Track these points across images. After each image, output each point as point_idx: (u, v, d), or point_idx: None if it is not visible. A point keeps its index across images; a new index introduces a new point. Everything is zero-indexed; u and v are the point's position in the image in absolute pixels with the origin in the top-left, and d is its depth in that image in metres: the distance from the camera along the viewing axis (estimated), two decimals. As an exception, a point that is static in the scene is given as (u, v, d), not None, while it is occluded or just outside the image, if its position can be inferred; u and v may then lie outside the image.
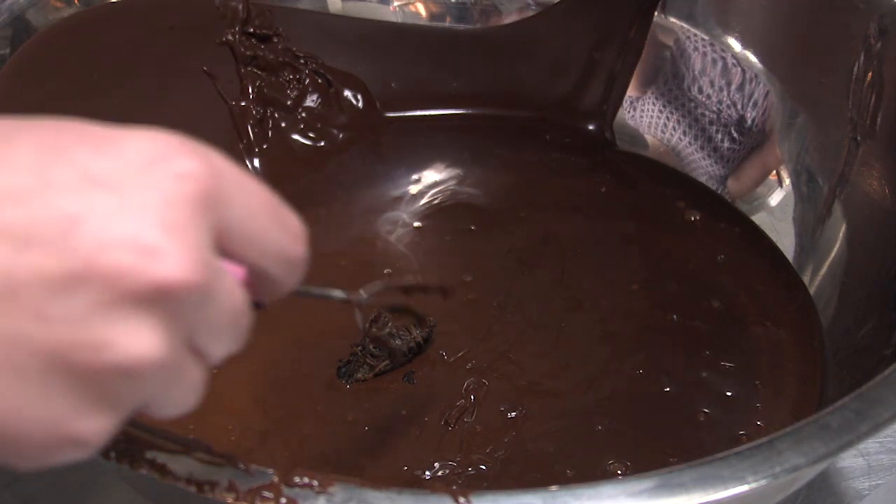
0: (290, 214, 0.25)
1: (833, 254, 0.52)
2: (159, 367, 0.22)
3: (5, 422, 0.21)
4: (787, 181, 0.57)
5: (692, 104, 0.61)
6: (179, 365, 0.23)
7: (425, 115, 0.64)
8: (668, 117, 0.62)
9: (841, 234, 0.51)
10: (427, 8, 0.65)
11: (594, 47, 0.63)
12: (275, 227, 0.25)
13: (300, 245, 0.26)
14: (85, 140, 0.22)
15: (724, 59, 0.59)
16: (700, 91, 0.60)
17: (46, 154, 0.21)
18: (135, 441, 0.29)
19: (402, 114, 0.64)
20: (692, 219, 0.57)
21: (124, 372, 0.21)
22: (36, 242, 0.20)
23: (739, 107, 0.59)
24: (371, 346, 0.45)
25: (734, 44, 0.59)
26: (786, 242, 0.55)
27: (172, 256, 0.21)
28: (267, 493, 0.27)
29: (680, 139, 0.62)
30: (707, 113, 0.60)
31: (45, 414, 0.21)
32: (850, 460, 0.48)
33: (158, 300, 0.21)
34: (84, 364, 0.21)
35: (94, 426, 0.22)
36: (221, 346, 0.24)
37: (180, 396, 0.23)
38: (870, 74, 0.50)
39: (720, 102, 0.60)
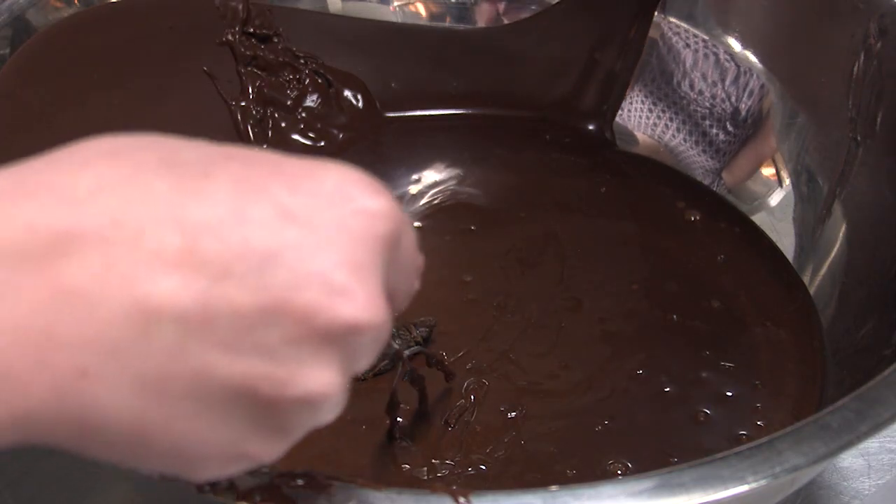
0: (419, 252, 0.27)
1: (833, 254, 0.52)
2: (334, 399, 0.23)
3: (187, 444, 0.22)
4: (787, 181, 0.57)
5: (684, 101, 0.61)
6: (341, 395, 0.23)
7: (425, 115, 0.64)
8: (659, 115, 0.62)
9: (841, 234, 0.51)
10: (427, 8, 0.65)
11: (594, 47, 0.63)
12: (414, 266, 0.26)
13: (418, 281, 0.27)
14: (279, 175, 0.23)
15: (716, 54, 0.59)
16: (691, 86, 0.60)
17: (243, 188, 0.22)
18: (135, 441, 0.29)
19: (402, 114, 0.64)
20: (692, 219, 0.57)
21: (304, 405, 0.22)
22: (232, 276, 0.21)
23: (734, 99, 0.59)
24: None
25: (734, 44, 0.59)
26: (786, 242, 0.55)
27: (360, 298, 0.22)
28: (267, 493, 0.27)
29: (673, 136, 0.62)
30: (699, 109, 0.60)
31: (224, 438, 0.22)
32: (850, 460, 0.48)
33: (342, 339, 0.22)
34: (267, 396, 0.22)
35: (268, 448, 0.23)
36: (362, 368, 0.25)
37: (329, 419, 0.24)
38: (870, 74, 0.50)
39: (714, 97, 0.60)
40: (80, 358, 0.20)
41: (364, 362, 0.24)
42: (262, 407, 0.22)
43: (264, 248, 0.21)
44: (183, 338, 0.20)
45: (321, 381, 0.22)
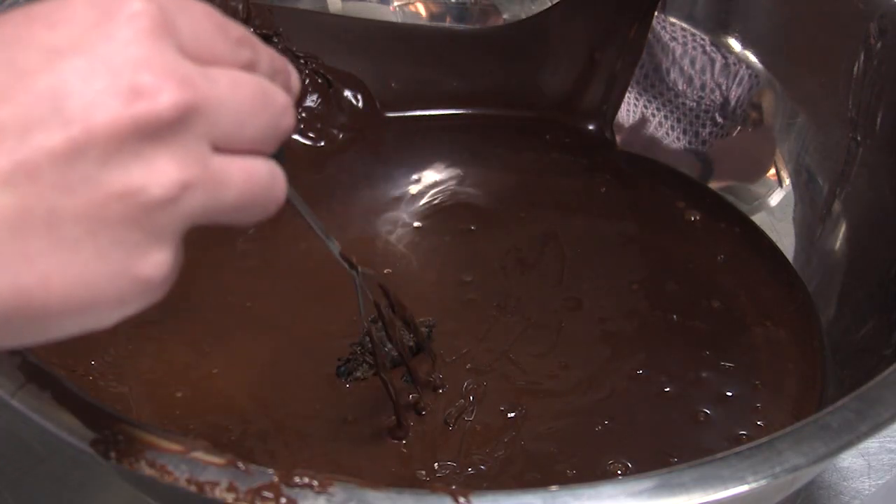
0: (228, 20, 0.27)
1: (833, 254, 0.52)
2: (187, 186, 0.23)
3: (75, 293, 0.22)
4: (787, 181, 0.57)
5: (671, 93, 0.61)
6: (213, 174, 0.24)
7: (425, 115, 0.64)
8: (645, 106, 0.62)
9: (841, 234, 0.51)
10: (427, 8, 0.65)
11: (594, 47, 0.63)
12: (218, 30, 0.26)
13: (244, 43, 0.27)
14: (33, 21, 0.23)
15: (702, 46, 0.59)
16: (681, 73, 0.60)
17: (6, 48, 0.22)
18: (135, 441, 0.29)
19: (402, 114, 0.64)
20: (692, 219, 0.57)
21: (158, 205, 0.23)
22: (34, 127, 0.22)
23: (724, 89, 0.59)
24: (370, 345, 0.45)
25: (734, 44, 0.59)
26: (786, 242, 0.55)
27: (154, 87, 0.22)
28: (267, 493, 0.28)
29: (658, 126, 0.62)
30: (687, 101, 0.60)
31: (107, 270, 0.23)
32: (850, 460, 0.48)
33: (161, 130, 0.23)
34: (120, 214, 0.22)
35: (155, 261, 0.23)
36: (256, 131, 0.25)
37: (240, 197, 0.25)
38: (870, 74, 0.50)
39: (703, 87, 0.60)
40: None
41: (233, 127, 0.25)
42: (122, 226, 0.22)
43: (49, 89, 0.22)
44: (20, 198, 0.21)
45: (160, 178, 0.23)
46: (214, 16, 0.26)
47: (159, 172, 0.23)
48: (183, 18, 0.24)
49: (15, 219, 0.21)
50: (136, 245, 0.23)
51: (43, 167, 0.21)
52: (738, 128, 0.59)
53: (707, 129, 0.60)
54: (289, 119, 0.27)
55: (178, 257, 0.24)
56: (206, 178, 0.24)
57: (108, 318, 0.24)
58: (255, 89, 0.26)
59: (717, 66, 0.59)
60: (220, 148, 0.24)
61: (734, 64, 0.58)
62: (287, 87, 0.29)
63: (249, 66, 0.26)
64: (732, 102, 0.59)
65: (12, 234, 0.21)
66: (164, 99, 0.22)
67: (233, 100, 0.25)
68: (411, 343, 0.46)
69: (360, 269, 0.41)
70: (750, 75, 0.58)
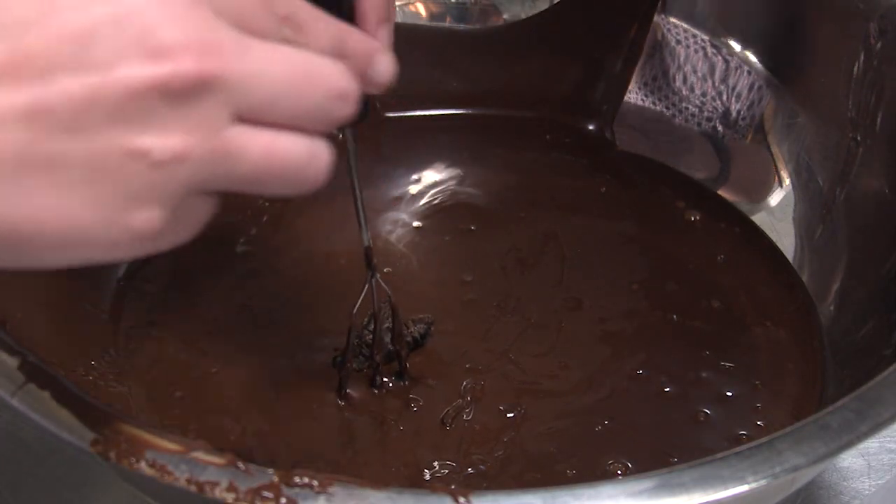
0: None
1: (833, 254, 0.52)
2: (190, 153, 0.23)
3: (67, 231, 0.23)
4: (787, 181, 0.57)
5: (676, 97, 0.61)
6: (223, 144, 0.24)
7: (425, 115, 0.64)
8: (647, 107, 0.62)
9: (841, 234, 0.51)
10: (427, 8, 0.65)
11: (594, 47, 0.63)
12: (262, 3, 0.25)
13: (288, 21, 0.26)
14: None
15: (703, 49, 0.59)
16: (684, 78, 0.60)
17: None
18: (135, 441, 0.29)
19: (402, 114, 0.64)
20: (692, 219, 0.57)
21: (159, 166, 0.23)
22: (58, 65, 0.22)
23: (724, 99, 0.59)
24: (367, 337, 0.45)
25: (734, 44, 0.59)
26: (786, 242, 0.55)
27: (179, 50, 0.22)
28: (267, 493, 0.28)
29: (658, 128, 0.62)
30: (690, 106, 0.60)
31: (100, 216, 0.23)
32: (850, 460, 0.48)
33: (177, 95, 0.23)
34: (120, 167, 0.23)
35: (148, 217, 0.24)
36: (295, 108, 0.25)
37: (255, 170, 0.25)
38: (870, 74, 0.50)
39: (704, 95, 0.60)
40: None
41: (261, 102, 0.24)
42: (120, 179, 0.23)
43: (79, 30, 0.22)
44: (30, 135, 0.22)
45: (166, 142, 0.23)
46: None
47: (166, 135, 0.23)
48: None
49: (22, 154, 0.22)
50: (132, 198, 0.23)
51: (58, 109, 0.22)
52: (739, 136, 0.59)
53: (708, 134, 0.60)
54: (343, 106, 0.27)
55: (178, 216, 0.24)
56: (214, 147, 0.24)
57: (101, 257, 0.24)
58: (295, 66, 0.25)
59: (718, 71, 0.59)
60: (246, 119, 0.24)
61: (736, 68, 0.58)
62: (360, 73, 0.28)
63: (293, 45, 0.26)
64: (734, 114, 0.59)
65: (15, 169, 0.22)
66: (185, 65, 0.22)
67: (265, 73, 0.24)
68: (390, 347, 0.46)
69: (377, 273, 0.42)
70: (751, 85, 0.58)
